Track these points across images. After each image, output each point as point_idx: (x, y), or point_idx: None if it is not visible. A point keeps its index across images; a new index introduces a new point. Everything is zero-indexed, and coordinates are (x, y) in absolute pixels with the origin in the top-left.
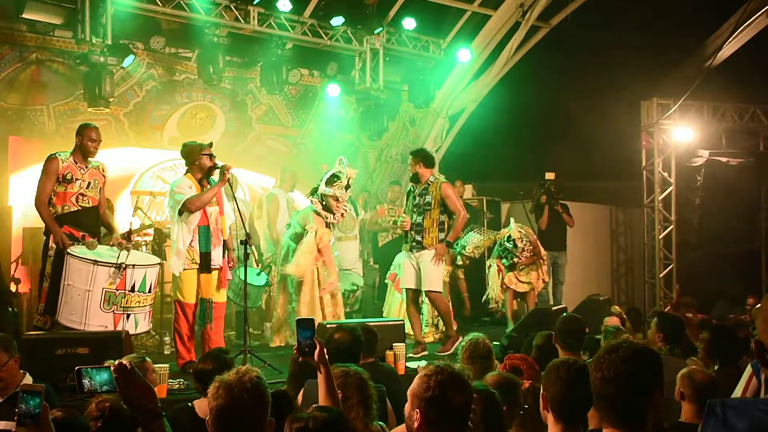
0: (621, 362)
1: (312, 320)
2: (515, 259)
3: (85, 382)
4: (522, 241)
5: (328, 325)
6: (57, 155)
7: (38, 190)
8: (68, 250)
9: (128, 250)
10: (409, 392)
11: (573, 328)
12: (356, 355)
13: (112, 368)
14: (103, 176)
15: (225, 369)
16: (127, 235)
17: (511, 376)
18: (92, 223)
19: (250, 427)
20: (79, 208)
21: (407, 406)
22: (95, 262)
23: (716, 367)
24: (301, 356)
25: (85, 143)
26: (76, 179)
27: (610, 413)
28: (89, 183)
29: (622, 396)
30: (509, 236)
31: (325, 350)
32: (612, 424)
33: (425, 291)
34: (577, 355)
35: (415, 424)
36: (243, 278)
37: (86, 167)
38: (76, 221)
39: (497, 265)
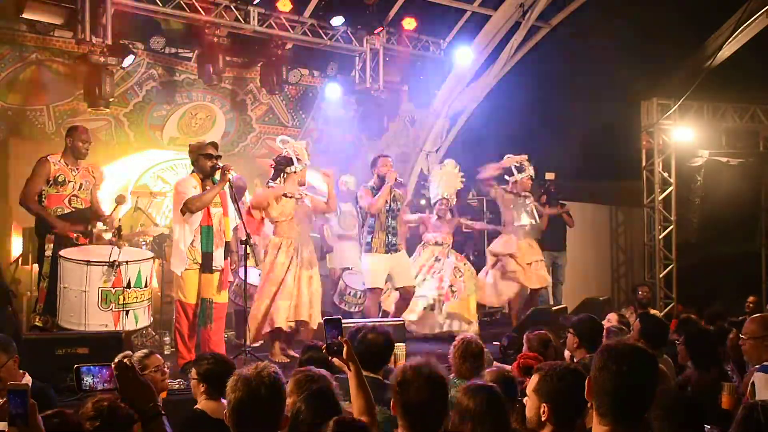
0: (618, 360)
1: (339, 319)
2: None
3: (86, 380)
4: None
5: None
6: (48, 158)
7: (25, 189)
8: (60, 253)
9: (120, 247)
10: None
11: (597, 325)
12: (386, 359)
13: (112, 366)
14: (93, 177)
15: (230, 368)
16: (117, 232)
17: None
18: (84, 224)
19: (267, 420)
20: (72, 209)
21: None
22: (87, 263)
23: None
24: (330, 355)
25: (77, 144)
26: (69, 181)
27: (606, 410)
28: (81, 184)
29: (619, 393)
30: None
31: (352, 348)
32: (607, 421)
33: (407, 285)
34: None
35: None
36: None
37: (77, 169)
38: (69, 223)
39: None
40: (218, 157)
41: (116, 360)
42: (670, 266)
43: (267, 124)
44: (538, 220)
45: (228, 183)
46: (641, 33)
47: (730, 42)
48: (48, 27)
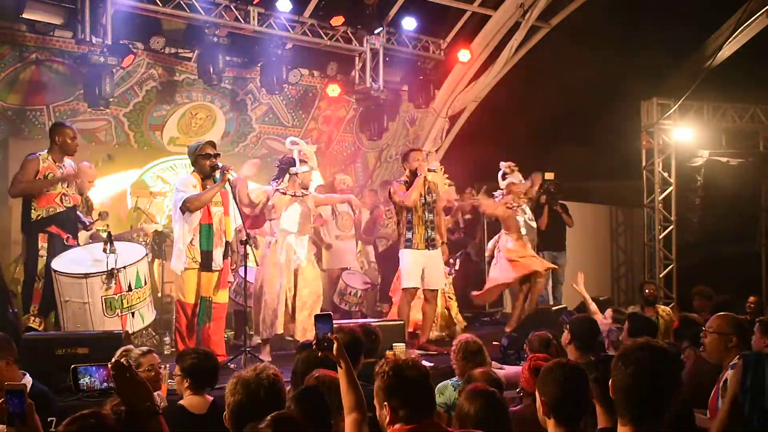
0: (644, 359)
1: (330, 315)
2: None
3: (83, 380)
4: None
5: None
6: (37, 155)
7: (13, 181)
8: (53, 267)
9: (114, 253)
10: (375, 394)
11: (593, 327)
12: (355, 358)
13: (109, 366)
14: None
15: (215, 365)
16: (109, 239)
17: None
18: (73, 222)
19: None
20: (65, 208)
21: (377, 412)
22: (86, 276)
23: None
24: (320, 351)
25: (67, 142)
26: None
27: (625, 410)
28: (68, 182)
29: (638, 393)
30: None
31: (342, 345)
32: (627, 421)
33: (434, 289)
34: (587, 357)
35: (386, 420)
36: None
37: (64, 166)
38: (61, 222)
39: None
40: (216, 155)
41: (113, 360)
42: (670, 266)
43: (267, 124)
44: (533, 226)
45: (228, 183)
46: (641, 33)
47: (730, 42)
48: (48, 27)
